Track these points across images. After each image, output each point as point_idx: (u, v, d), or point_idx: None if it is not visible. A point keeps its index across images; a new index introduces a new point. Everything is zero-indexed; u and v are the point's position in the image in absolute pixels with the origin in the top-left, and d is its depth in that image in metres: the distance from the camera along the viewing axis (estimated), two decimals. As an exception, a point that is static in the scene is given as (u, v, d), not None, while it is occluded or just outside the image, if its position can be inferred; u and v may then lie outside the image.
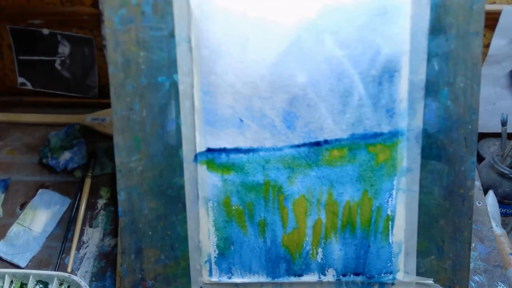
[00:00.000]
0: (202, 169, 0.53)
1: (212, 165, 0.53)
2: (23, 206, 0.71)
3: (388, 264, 0.55)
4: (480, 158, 0.86)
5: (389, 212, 0.54)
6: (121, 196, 0.53)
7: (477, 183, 0.71)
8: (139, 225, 0.54)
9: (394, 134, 0.53)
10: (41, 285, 0.60)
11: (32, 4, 0.80)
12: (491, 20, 0.78)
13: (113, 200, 0.71)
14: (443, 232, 0.54)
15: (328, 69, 0.51)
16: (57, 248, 0.66)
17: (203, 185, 0.53)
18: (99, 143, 0.78)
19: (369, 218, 0.54)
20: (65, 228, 0.68)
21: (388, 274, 0.55)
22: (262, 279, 0.55)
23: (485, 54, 0.81)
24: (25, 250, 0.65)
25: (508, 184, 0.76)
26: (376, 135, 0.53)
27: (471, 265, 0.61)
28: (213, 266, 0.55)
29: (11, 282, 0.60)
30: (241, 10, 0.50)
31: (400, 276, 0.55)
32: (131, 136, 0.52)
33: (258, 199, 0.54)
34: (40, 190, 0.72)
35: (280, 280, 0.56)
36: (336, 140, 0.53)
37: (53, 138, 0.76)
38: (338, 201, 0.54)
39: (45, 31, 0.81)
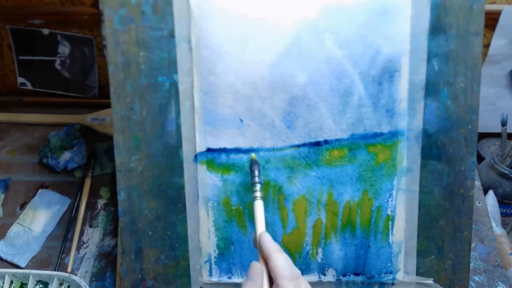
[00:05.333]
0: (202, 169, 0.53)
1: (212, 165, 0.53)
2: (23, 206, 0.71)
3: (388, 264, 0.55)
4: (480, 158, 0.86)
5: (389, 212, 0.54)
6: (121, 196, 0.53)
7: (477, 183, 0.71)
8: (139, 225, 0.54)
9: (394, 134, 0.53)
10: (41, 285, 0.60)
11: (32, 4, 0.80)
12: (491, 20, 0.78)
13: (113, 200, 0.71)
14: (443, 232, 0.54)
15: (328, 69, 0.51)
16: (57, 248, 0.66)
17: (203, 185, 0.53)
18: (99, 143, 0.78)
19: (369, 218, 0.54)
20: (65, 228, 0.68)
21: (388, 274, 0.55)
22: (262, 279, 0.55)
23: (485, 54, 0.81)
24: (25, 250, 0.65)
25: (508, 184, 0.76)
26: (376, 135, 0.53)
27: (471, 265, 0.61)
28: (213, 266, 0.55)
29: (11, 282, 0.60)
30: (241, 10, 0.50)
31: (400, 276, 0.55)
32: (131, 136, 0.52)
33: (258, 199, 0.54)
34: (40, 190, 0.72)
35: (280, 280, 0.55)
36: (336, 140, 0.53)
37: (53, 138, 0.76)
38: (338, 201, 0.54)
39: (45, 31, 0.81)
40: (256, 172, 0.49)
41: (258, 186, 0.48)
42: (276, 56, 0.50)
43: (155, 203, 0.54)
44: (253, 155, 0.51)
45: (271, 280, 0.42)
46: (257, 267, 0.42)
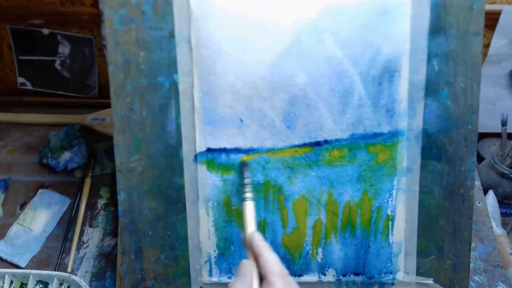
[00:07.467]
0: (202, 169, 0.53)
1: (212, 165, 0.53)
2: (23, 206, 0.71)
3: (388, 264, 0.55)
4: (480, 158, 0.86)
5: (389, 212, 0.54)
6: (121, 196, 0.53)
7: (477, 183, 0.71)
8: (139, 225, 0.54)
9: (394, 134, 0.53)
10: (41, 285, 0.60)
11: (32, 4, 0.80)
12: (491, 20, 0.78)
13: (113, 200, 0.71)
14: (443, 232, 0.54)
15: (328, 69, 0.51)
16: (57, 248, 0.66)
17: (203, 185, 0.53)
18: (99, 143, 0.78)
19: (369, 218, 0.54)
20: (65, 228, 0.68)
21: (388, 274, 0.55)
22: (262, 279, 0.55)
23: (485, 54, 0.81)
24: (25, 250, 0.65)
25: (508, 184, 0.76)
26: (376, 135, 0.53)
27: (471, 265, 0.61)
28: (213, 266, 0.55)
29: (11, 282, 0.60)
30: (241, 10, 0.50)
31: (400, 276, 0.55)
32: (131, 136, 0.52)
33: (258, 199, 0.54)
34: (40, 190, 0.72)
35: (280, 280, 0.55)
36: (336, 140, 0.53)
37: (53, 138, 0.76)
38: (338, 201, 0.54)
39: (45, 31, 0.81)
40: (247, 174, 0.50)
41: (248, 187, 0.49)
42: (276, 56, 0.50)
43: (155, 203, 0.54)
44: (243, 157, 0.52)
45: (260, 279, 0.42)
46: (247, 264, 0.43)
